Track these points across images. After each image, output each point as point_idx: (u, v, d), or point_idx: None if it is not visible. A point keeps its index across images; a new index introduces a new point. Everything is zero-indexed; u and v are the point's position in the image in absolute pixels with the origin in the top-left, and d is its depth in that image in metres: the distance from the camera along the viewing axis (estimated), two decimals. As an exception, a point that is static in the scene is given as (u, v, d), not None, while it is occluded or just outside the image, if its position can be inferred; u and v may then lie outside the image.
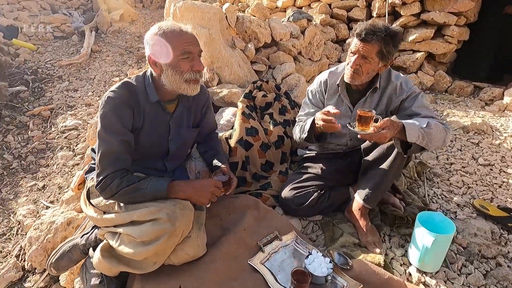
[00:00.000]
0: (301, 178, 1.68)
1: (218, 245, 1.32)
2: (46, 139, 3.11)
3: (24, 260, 1.77)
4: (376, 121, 1.28)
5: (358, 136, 1.29)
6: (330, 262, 1.29)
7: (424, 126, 1.30)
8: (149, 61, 1.21)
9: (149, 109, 1.26)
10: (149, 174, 1.34)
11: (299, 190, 1.62)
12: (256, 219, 1.52)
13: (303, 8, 4.34)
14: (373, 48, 1.39)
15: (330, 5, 4.10)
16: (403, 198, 1.75)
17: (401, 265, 1.43)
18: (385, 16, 3.57)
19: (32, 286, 1.66)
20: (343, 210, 1.68)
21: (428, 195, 1.91)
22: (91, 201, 1.24)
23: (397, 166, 1.46)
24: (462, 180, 2.04)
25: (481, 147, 2.43)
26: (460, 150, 2.40)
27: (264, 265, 1.33)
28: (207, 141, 1.66)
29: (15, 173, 2.64)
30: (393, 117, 1.34)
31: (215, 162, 1.53)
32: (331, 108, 1.40)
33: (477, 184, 2.01)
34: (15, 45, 5.11)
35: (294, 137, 1.77)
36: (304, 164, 1.80)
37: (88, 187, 1.29)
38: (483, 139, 2.55)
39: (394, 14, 3.74)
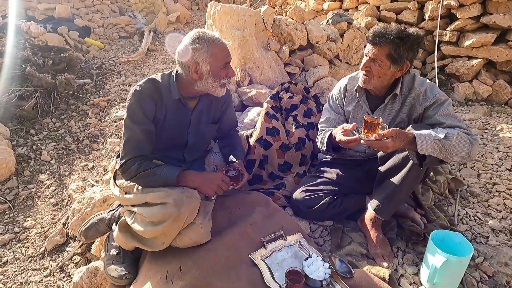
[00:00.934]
0: (315, 182, 1.68)
1: (222, 235, 1.40)
2: (101, 126, 3.54)
3: (68, 228, 2.06)
4: (383, 129, 1.23)
5: (361, 142, 1.25)
6: (328, 267, 1.28)
7: (442, 137, 1.21)
8: (190, 68, 1.31)
9: (171, 105, 1.39)
10: (169, 163, 1.48)
11: (311, 193, 1.62)
12: (264, 216, 1.56)
13: (350, 10, 4.23)
14: (382, 51, 1.35)
15: (378, 7, 3.93)
16: (425, 214, 1.63)
17: (410, 284, 1.35)
18: (438, 18, 3.30)
19: (71, 250, 1.93)
20: (357, 219, 1.63)
21: (459, 215, 1.75)
22: (116, 181, 1.42)
23: (413, 178, 1.37)
24: (504, 203, 1.82)
25: (539, 169, 2.13)
26: (509, 170, 2.13)
27: (264, 261, 1.37)
28: (226, 137, 1.76)
29: (72, 154, 3.06)
30: (409, 127, 1.27)
31: (231, 157, 1.61)
32: (346, 125, 1.41)
33: (522, 210, 1.78)
34: (87, 43, 5.84)
35: (318, 145, 1.78)
36: (321, 168, 1.78)
37: (116, 169, 1.47)
38: (543, 160, 2.22)
39: (450, 17, 3.43)
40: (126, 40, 6.51)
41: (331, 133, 1.54)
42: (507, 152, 2.34)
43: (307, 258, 1.33)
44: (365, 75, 1.44)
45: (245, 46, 2.40)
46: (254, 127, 2.01)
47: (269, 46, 2.66)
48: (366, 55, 1.42)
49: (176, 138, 1.48)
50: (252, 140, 1.89)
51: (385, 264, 1.38)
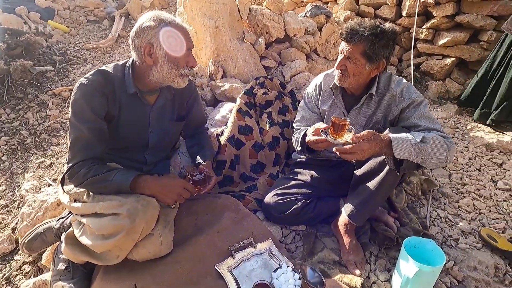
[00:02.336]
0: (288, 184, 1.59)
1: (185, 245, 1.28)
2: (62, 118, 3.25)
3: (17, 235, 1.85)
4: (349, 131, 1.16)
5: (334, 149, 1.16)
6: (299, 279, 1.21)
7: (419, 140, 1.15)
8: (144, 50, 1.16)
9: (126, 100, 1.24)
10: (128, 165, 1.33)
11: (283, 197, 1.53)
12: (233, 222, 1.46)
13: (329, 3, 4.14)
14: (357, 49, 1.27)
15: (357, 1, 3.87)
16: (398, 217, 1.60)
17: (382, 291, 1.31)
18: (415, 16, 3.29)
19: (20, 259, 1.73)
20: (331, 223, 1.57)
21: (430, 216, 1.74)
22: (64, 187, 1.25)
23: (389, 184, 1.32)
24: (474, 204, 1.83)
25: (504, 169, 2.18)
26: (479, 170, 2.17)
27: (231, 272, 1.27)
28: (194, 135, 1.62)
29: (28, 149, 2.78)
30: (386, 131, 1.21)
31: (198, 158, 1.49)
32: (320, 124, 1.32)
33: (490, 211, 1.80)
34: (50, 26, 5.37)
35: (293, 144, 1.69)
36: (295, 170, 1.70)
37: (63, 173, 1.29)
38: (508, 159, 2.28)
39: (426, 15, 3.44)
40: (95, 25, 6.07)
41: (305, 133, 1.45)
42: (476, 152, 2.38)
43: (276, 269, 1.25)
44: (340, 73, 1.36)
45: (218, 37, 2.25)
46: (226, 125, 1.88)
47: (244, 38, 2.52)
48: (341, 53, 1.34)
49: (135, 137, 1.33)
50: (222, 139, 1.77)
51: (358, 271, 1.33)
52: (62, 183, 1.27)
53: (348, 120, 1.16)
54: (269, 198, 1.55)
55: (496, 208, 1.83)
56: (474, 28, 3.14)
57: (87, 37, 5.54)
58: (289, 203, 1.51)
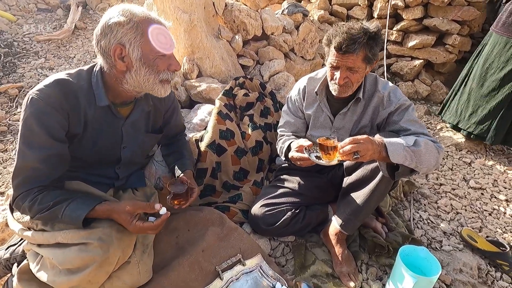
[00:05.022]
0: (275, 193, 1.50)
1: (166, 271, 1.13)
2: (9, 120, 2.85)
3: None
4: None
5: (336, 160, 1.10)
6: (295, 298, 1.12)
7: (411, 144, 1.12)
8: (113, 53, 0.94)
9: (94, 114, 1.03)
10: (97, 182, 1.14)
11: (271, 208, 1.43)
12: (219, 238, 1.33)
13: (302, 2, 4.11)
14: (359, 57, 1.21)
15: (330, 1, 3.88)
16: (386, 222, 1.58)
17: (376, 302, 1.27)
18: (386, 18, 3.36)
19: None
20: (320, 231, 1.51)
21: (414, 219, 1.75)
22: (13, 214, 1.03)
23: (382, 191, 1.28)
24: (451, 204, 1.89)
25: (473, 167, 2.29)
26: (451, 170, 2.25)
27: (220, 296, 1.15)
28: (171, 143, 1.46)
29: (-33, 157, 2.39)
30: (377, 135, 1.16)
31: (177, 167, 1.33)
32: (303, 142, 1.28)
33: (466, 210, 1.86)
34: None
35: (278, 152, 1.60)
36: (281, 176, 1.61)
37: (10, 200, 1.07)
38: (476, 158, 2.41)
39: (396, 17, 3.54)
40: (47, 14, 5.46)
41: (289, 145, 1.40)
42: (447, 152, 2.48)
43: (270, 290, 1.15)
44: (344, 85, 1.27)
45: (193, 32, 2.08)
46: (205, 129, 1.74)
47: (220, 34, 2.36)
48: (337, 66, 1.25)
49: (104, 154, 1.13)
50: (203, 145, 1.62)
51: (352, 284, 1.28)
52: (12, 209, 1.05)
53: (336, 138, 1.09)
54: (256, 209, 1.45)
55: (470, 207, 1.90)
56: (440, 31, 3.28)
57: (38, 28, 4.96)
58: (278, 214, 1.42)
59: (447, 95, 2.76)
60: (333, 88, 1.31)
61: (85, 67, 1.04)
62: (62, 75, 0.99)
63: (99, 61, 1.01)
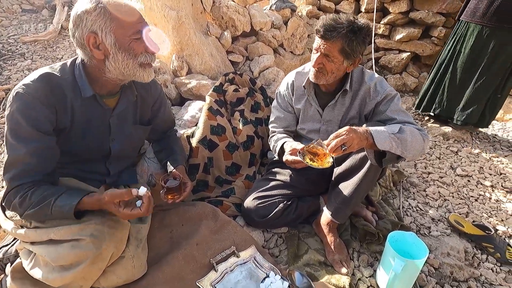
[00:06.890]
0: (267, 186, 1.52)
1: (161, 265, 1.15)
2: (-3, 123, 2.80)
3: None
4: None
5: (329, 162, 1.15)
6: (288, 286, 1.15)
7: (396, 131, 1.16)
8: (88, 43, 0.95)
9: (81, 106, 1.04)
10: (88, 178, 1.14)
11: (263, 200, 1.46)
12: (212, 231, 1.35)
13: (290, -3, 4.11)
14: (335, 46, 1.24)
15: (318, -4, 3.90)
16: (376, 211, 1.62)
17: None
18: (373, 11, 3.40)
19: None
20: (312, 222, 1.54)
21: (403, 207, 1.80)
22: (5, 213, 1.03)
23: (370, 180, 1.32)
24: (439, 192, 1.94)
25: (460, 156, 2.35)
26: (439, 159, 2.31)
27: (215, 287, 1.17)
28: (162, 139, 1.47)
29: (-47, 161, 2.34)
30: (363, 126, 1.19)
31: (169, 163, 1.34)
32: (296, 145, 1.35)
33: (453, 197, 1.92)
34: (-27, 15, 4.61)
35: (271, 147, 1.63)
36: (273, 170, 1.64)
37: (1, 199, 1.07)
38: (463, 147, 2.47)
39: (383, 11, 3.58)
40: (32, 15, 5.36)
41: (282, 146, 1.46)
42: (435, 141, 2.54)
43: (264, 279, 1.18)
44: (318, 70, 1.31)
45: (181, 29, 2.07)
46: (196, 125, 1.74)
47: (209, 31, 2.37)
48: (317, 50, 1.28)
49: (94, 147, 1.14)
50: (194, 141, 1.63)
51: (344, 270, 1.31)
52: (3, 208, 1.05)
53: (319, 139, 1.15)
54: (249, 202, 1.47)
55: (457, 194, 1.95)
56: (426, 24, 3.34)
57: (23, 29, 4.87)
58: (270, 206, 1.44)
59: (422, 89, 2.75)
60: (311, 73, 1.36)
61: (68, 61, 1.05)
62: (46, 69, 1.00)
63: (78, 54, 1.01)
